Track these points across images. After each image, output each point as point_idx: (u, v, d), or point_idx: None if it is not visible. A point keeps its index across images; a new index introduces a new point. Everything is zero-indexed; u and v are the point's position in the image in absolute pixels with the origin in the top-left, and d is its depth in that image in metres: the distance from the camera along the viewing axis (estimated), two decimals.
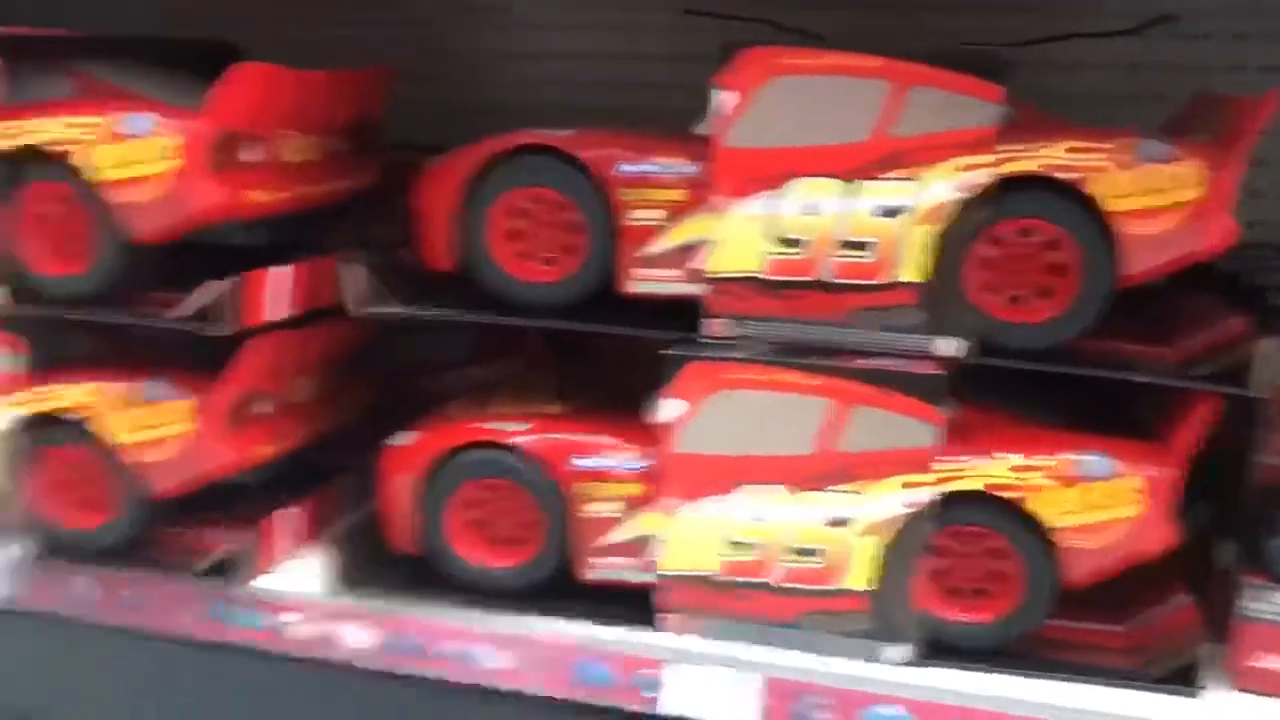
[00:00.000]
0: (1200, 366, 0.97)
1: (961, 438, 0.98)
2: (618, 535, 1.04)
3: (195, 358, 1.09)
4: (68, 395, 1.09)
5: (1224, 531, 1.05)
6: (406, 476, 1.08)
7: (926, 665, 0.99)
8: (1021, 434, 0.99)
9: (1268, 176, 1.27)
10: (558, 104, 1.53)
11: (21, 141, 1.04)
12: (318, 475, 1.26)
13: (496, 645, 1.05)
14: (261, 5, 1.60)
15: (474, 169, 1.06)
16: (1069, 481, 0.96)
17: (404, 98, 1.32)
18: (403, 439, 1.10)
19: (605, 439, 1.04)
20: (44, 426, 1.10)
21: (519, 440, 1.05)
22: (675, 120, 1.49)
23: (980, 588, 1.00)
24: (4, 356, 1.09)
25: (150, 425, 1.07)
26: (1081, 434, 0.98)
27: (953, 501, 0.97)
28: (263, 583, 1.12)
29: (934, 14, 1.40)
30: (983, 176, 0.95)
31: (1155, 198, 0.94)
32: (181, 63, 1.24)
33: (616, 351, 1.13)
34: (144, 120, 1.02)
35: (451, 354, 1.37)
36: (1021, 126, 0.98)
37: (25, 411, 1.10)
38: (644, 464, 1.03)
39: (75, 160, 1.03)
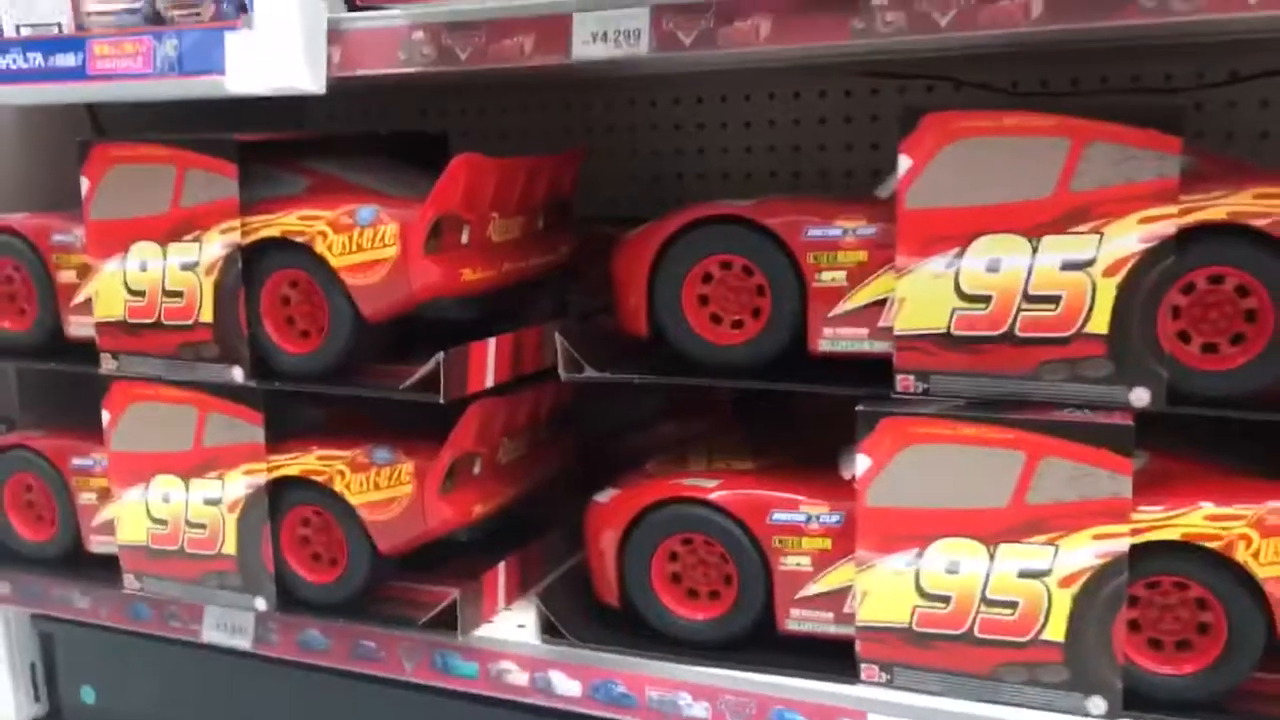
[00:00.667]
0: None
1: (1156, 488, 0.98)
2: (814, 588, 1.08)
3: (413, 424, 1.19)
4: (304, 460, 1.20)
5: None
6: (609, 531, 1.15)
7: (1126, 717, 0.98)
8: (1220, 482, 0.99)
9: None
10: (739, 172, 1.60)
11: (264, 234, 1.17)
12: (525, 531, 1.34)
13: (696, 694, 1.10)
14: (461, 97, 1.72)
15: (666, 239, 1.12)
16: (1272, 530, 0.95)
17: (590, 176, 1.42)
18: (604, 496, 1.16)
19: (799, 495, 1.08)
20: (283, 489, 1.21)
21: (715, 496, 1.10)
22: (856, 181, 1.56)
23: (1182, 639, 0.99)
24: (246, 427, 1.21)
25: (378, 487, 1.17)
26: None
27: (1150, 551, 0.97)
28: (480, 633, 1.20)
29: (1114, 60, 1.41)
30: (1167, 227, 0.96)
31: None
32: (398, 154, 1.36)
33: (806, 410, 1.17)
34: (368, 211, 1.13)
35: (644, 414, 1.44)
36: (1205, 174, 0.99)
37: (266, 476, 1.21)
38: (838, 518, 1.06)
39: (313, 249, 1.14)
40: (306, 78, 1.12)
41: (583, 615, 1.18)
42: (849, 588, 1.06)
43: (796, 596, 1.08)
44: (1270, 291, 0.95)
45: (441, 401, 1.12)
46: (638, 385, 1.13)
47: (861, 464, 1.03)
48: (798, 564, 1.08)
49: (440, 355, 1.11)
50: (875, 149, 1.51)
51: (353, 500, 1.18)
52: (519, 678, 1.17)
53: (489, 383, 1.18)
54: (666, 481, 1.13)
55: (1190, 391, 0.98)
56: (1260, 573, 0.95)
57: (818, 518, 1.07)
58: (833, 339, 1.08)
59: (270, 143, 1.22)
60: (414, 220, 1.12)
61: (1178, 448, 1.04)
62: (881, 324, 1.06)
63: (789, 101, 1.56)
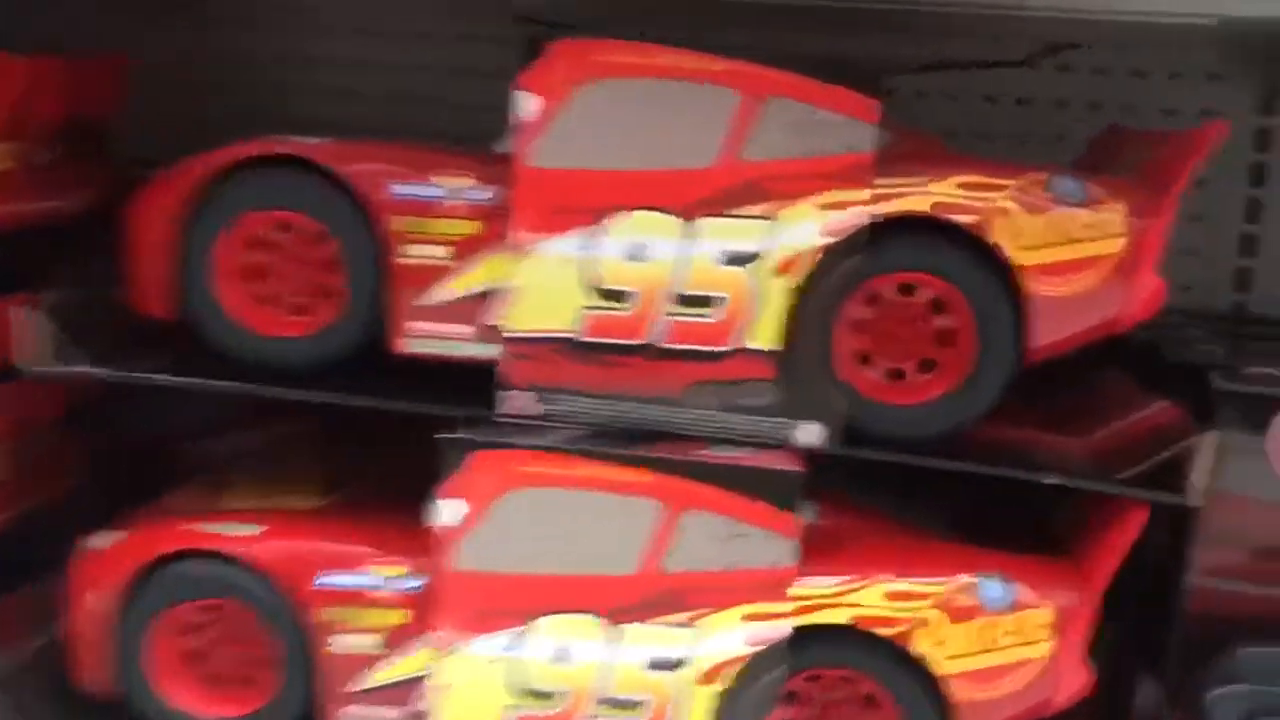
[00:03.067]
0: (1118, 463, 0.77)
1: (825, 553, 0.76)
2: (378, 677, 0.79)
3: None
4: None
5: (1142, 662, 0.84)
6: (100, 592, 0.81)
7: None
8: (901, 549, 0.78)
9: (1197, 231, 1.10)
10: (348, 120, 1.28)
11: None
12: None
13: None
14: None
15: (199, 187, 0.80)
16: (961, 614, 0.74)
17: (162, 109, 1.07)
18: (99, 541, 0.83)
19: (364, 548, 0.79)
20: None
21: (244, 548, 0.79)
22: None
23: None
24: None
25: None
26: (976, 549, 0.77)
27: (812, 638, 0.75)
28: None
29: (809, 34, 1.21)
30: (856, 217, 0.73)
31: (1070, 249, 0.75)
32: None
33: (397, 428, 0.87)
34: None
35: (216, 415, 1.10)
36: (903, 155, 0.78)
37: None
38: (414, 584, 0.78)
39: None
40: None
41: (58, 708, 0.83)
42: (425, 678, 0.78)
43: (352, 689, 0.79)
44: (973, 308, 0.75)
45: None
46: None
47: (446, 513, 0.75)
48: (356, 645, 0.79)
49: None
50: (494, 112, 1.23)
51: None
52: None
53: None
54: (183, 524, 0.81)
55: (874, 430, 0.76)
56: (943, 668, 0.75)
57: (390, 582, 0.78)
58: (423, 336, 0.79)
59: None
60: None
61: (851, 495, 0.83)
62: (488, 321, 0.78)
63: (425, 42, 1.26)
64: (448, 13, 1.23)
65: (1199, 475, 0.73)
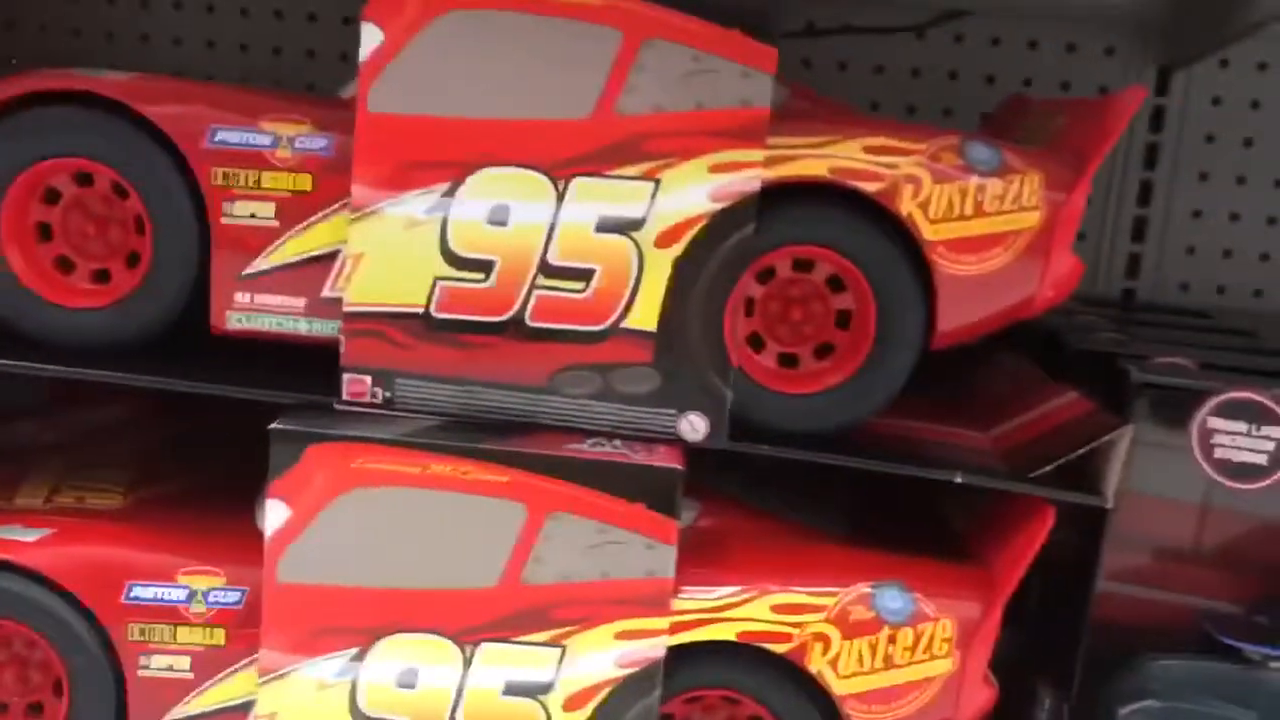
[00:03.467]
0: (1026, 459, 0.70)
1: (706, 558, 0.67)
2: (194, 707, 0.68)
3: None
4: None
5: (1045, 674, 0.78)
6: None
7: None
8: (792, 554, 0.70)
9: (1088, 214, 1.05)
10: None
11: None
12: None
13: None
14: None
15: None
16: (857, 628, 0.67)
17: None
18: None
19: (180, 556, 0.67)
20: None
21: (30, 555, 0.66)
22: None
23: None
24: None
25: None
26: (873, 554, 0.70)
27: (693, 655, 0.66)
28: None
29: None
30: (748, 181, 0.65)
31: (983, 224, 0.68)
32: None
33: (217, 416, 0.76)
34: None
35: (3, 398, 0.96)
36: (801, 115, 0.69)
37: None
38: (237, 597, 0.67)
39: None
40: None
41: None
42: (248, 705, 0.67)
43: (166, 718, 0.68)
44: (875, 287, 0.67)
45: None
46: None
47: (274, 515, 0.64)
48: (169, 668, 0.67)
49: None
50: (345, 60, 1.11)
51: None
52: None
53: None
54: None
55: (764, 421, 0.68)
56: (838, 687, 0.67)
57: (206, 595, 0.67)
58: (247, 311, 0.68)
59: None
60: None
61: (735, 491, 0.75)
62: (326, 293, 0.67)
63: None
64: None
65: (1113, 474, 0.67)
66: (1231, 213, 1.12)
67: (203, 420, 0.84)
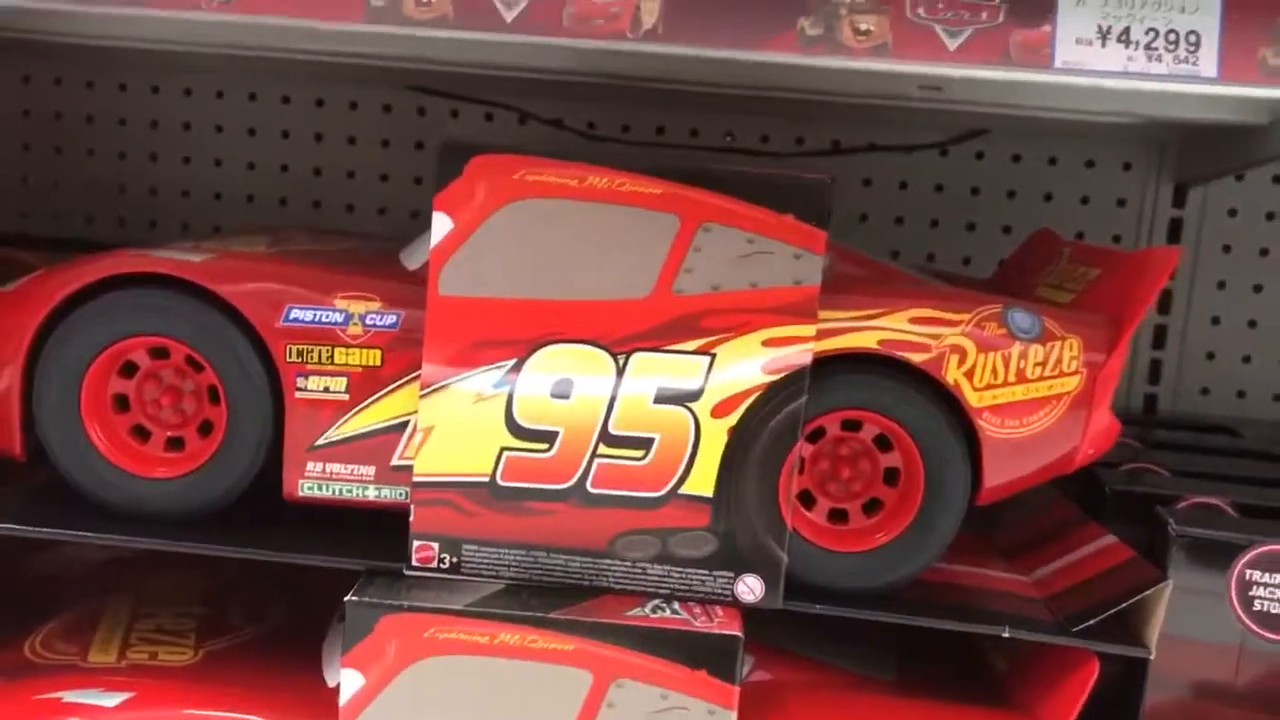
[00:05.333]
0: (1069, 606, 0.73)
1: (764, 713, 0.70)
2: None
3: None
4: None
5: None
6: None
7: None
8: (845, 705, 0.72)
9: None
10: (238, 194, 1.18)
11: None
12: None
13: None
14: None
15: (61, 304, 0.70)
16: None
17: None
18: None
19: (242, 715, 0.70)
20: None
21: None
22: (393, 224, 1.19)
23: None
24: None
25: None
26: (926, 704, 0.72)
27: None
28: None
29: (710, 112, 1.16)
30: (800, 354, 0.68)
31: (1025, 390, 0.70)
32: None
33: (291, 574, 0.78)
34: None
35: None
36: (848, 282, 0.73)
37: None
38: None
39: None
40: None
41: None
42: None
43: None
44: (921, 449, 0.70)
45: None
46: None
47: (348, 683, 0.66)
48: None
49: None
50: (419, 184, 1.15)
51: None
52: None
53: None
54: (44, 691, 0.70)
55: (814, 579, 0.70)
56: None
57: None
58: (319, 480, 0.71)
59: None
60: None
61: (785, 640, 0.77)
62: (395, 462, 0.70)
63: (309, 109, 1.17)
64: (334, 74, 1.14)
65: (1155, 626, 0.70)
66: (1249, 320, 1.16)
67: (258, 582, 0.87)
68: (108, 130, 1.18)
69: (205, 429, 0.72)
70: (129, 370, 0.72)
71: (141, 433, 0.72)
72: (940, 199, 1.18)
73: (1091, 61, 0.67)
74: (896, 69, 0.63)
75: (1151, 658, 0.70)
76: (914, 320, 0.69)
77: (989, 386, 0.69)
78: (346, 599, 0.66)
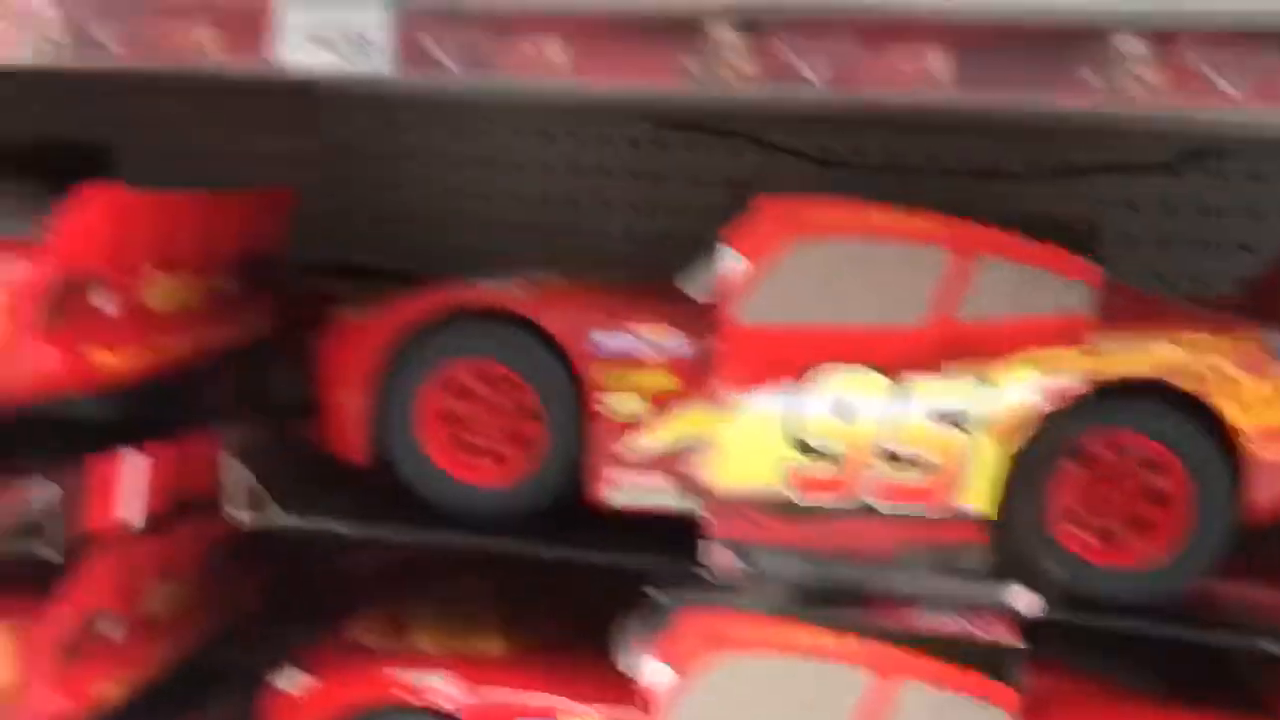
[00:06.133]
0: None
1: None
2: None
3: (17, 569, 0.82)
4: None
5: None
6: None
7: None
8: (1116, 714, 0.76)
9: None
10: (504, 224, 1.29)
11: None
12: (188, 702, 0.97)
13: None
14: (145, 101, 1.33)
15: (401, 332, 0.81)
16: None
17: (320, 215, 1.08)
18: (291, 682, 0.83)
19: (570, 702, 0.78)
20: None
21: (449, 703, 0.79)
22: (637, 249, 1.28)
23: None
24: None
25: None
26: (1198, 715, 0.75)
27: None
28: None
29: (941, 134, 1.20)
30: (1073, 379, 0.72)
31: None
32: (33, 172, 0.98)
33: (583, 573, 0.87)
34: None
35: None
36: (1114, 307, 0.77)
37: None
38: None
39: None
40: None
41: None
42: None
43: None
44: (1191, 472, 0.73)
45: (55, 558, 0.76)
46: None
47: (655, 675, 0.74)
48: None
49: (46, 484, 0.75)
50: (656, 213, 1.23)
51: None
52: None
53: (132, 516, 0.83)
54: (380, 670, 0.81)
55: (1083, 593, 0.75)
56: None
57: None
58: (623, 487, 0.79)
59: None
60: (28, 278, 0.76)
61: (1057, 656, 0.81)
62: (691, 474, 0.78)
63: (563, 143, 1.27)
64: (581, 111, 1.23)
65: None
66: None
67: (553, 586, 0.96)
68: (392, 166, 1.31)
69: (522, 442, 0.81)
70: (457, 389, 0.81)
71: (468, 447, 0.82)
72: (1169, 220, 1.18)
73: None
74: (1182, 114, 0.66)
75: None
76: (1180, 344, 0.73)
77: (1255, 409, 0.72)
78: (652, 594, 0.74)
